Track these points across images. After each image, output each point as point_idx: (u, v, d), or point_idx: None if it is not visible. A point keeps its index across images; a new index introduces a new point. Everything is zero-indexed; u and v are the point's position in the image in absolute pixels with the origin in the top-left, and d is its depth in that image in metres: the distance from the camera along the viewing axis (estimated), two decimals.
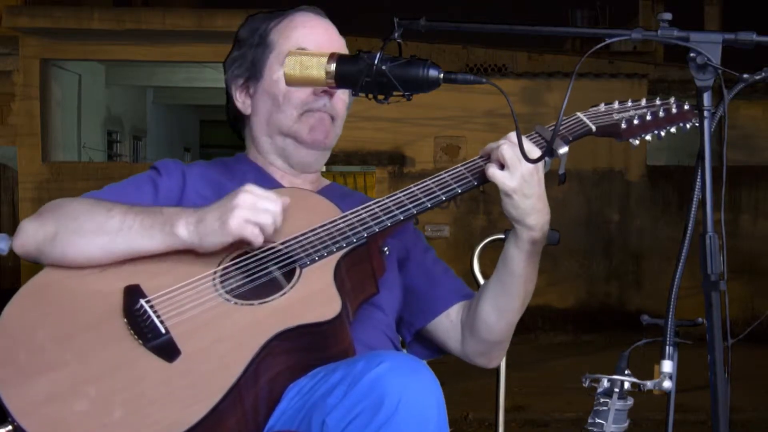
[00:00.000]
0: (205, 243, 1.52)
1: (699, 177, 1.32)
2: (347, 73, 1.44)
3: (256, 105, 1.81)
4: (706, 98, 1.32)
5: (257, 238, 1.50)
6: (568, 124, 1.67)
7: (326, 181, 1.92)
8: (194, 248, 1.53)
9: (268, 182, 1.78)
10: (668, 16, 1.34)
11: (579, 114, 1.70)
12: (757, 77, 1.37)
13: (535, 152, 1.57)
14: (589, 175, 10.69)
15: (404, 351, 1.83)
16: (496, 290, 1.70)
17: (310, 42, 1.77)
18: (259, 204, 1.51)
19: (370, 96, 1.46)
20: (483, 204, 10.35)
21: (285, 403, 1.45)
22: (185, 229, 1.52)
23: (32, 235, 1.60)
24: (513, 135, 1.55)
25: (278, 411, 1.45)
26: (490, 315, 1.71)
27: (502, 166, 1.57)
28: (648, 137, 1.71)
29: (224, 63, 1.87)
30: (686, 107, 1.72)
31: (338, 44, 1.81)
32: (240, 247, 1.56)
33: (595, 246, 10.79)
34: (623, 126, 1.68)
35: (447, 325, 1.79)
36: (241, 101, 1.83)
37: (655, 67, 11.42)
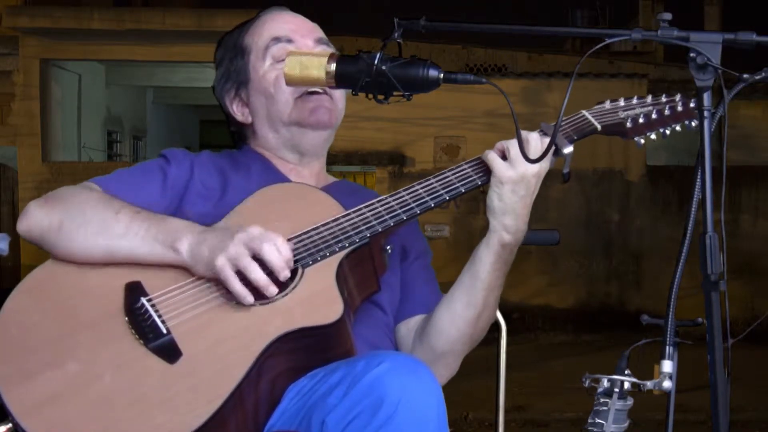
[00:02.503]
0: (196, 267, 1.51)
1: (699, 177, 1.32)
2: (347, 73, 1.44)
3: (253, 108, 1.81)
4: (706, 98, 1.32)
5: (235, 286, 1.45)
6: (573, 123, 1.66)
7: (332, 178, 1.91)
8: (188, 268, 1.52)
9: (274, 175, 1.78)
10: (668, 16, 1.34)
11: (584, 112, 1.68)
12: (757, 77, 1.37)
13: (539, 152, 1.56)
14: (589, 175, 10.68)
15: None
16: (456, 293, 1.66)
17: (283, 30, 1.79)
18: (252, 245, 1.46)
19: (370, 96, 1.46)
20: (483, 204, 10.30)
21: (285, 403, 1.45)
22: (185, 248, 1.51)
23: (38, 221, 1.59)
24: (527, 134, 1.56)
25: (278, 411, 1.45)
26: (442, 318, 1.66)
27: (504, 158, 1.57)
28: (653, 136, 1.69)
29: (213, 90, 1.87)
30: (692, 104, 1.68)
31: (311, 26, 1.83)
32: None
33: (595, 246, 10.79)
34: (629, 125, 1.67)
35: (404, 332, 1.75)
36: (240, 113, 1.83)
37: (655, 67, 11.45)
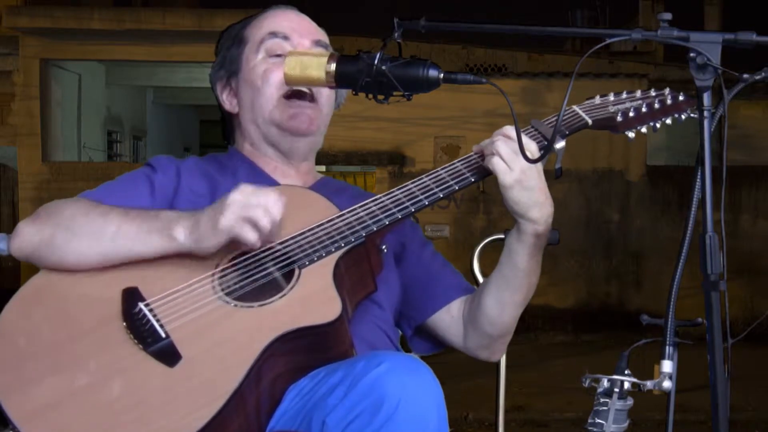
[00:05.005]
0: (202, 246, 1.51)
1: (699, 177, 1.32)
2: (347, 73, 1.44)
3: (240, 98, 1.82)
4: (706, 98, 1.32)
5: (248, 234, 1.47)
6: (564, 118, 1.67)
7: (320, 175, 1.91)
8: (191, 252, 1.52)
9: (260, 177, 1.78)
10: (668, 16, 1.34)
11: (575, 107, 1.70)
12: (757, 77, 1.37)
13: (532, 148, 1.56)
14: (589, 175, 10.68)
15: (401, 349, 1.83)
16: (499, 284, 1.69)
17: (282, 26, 1.79)
18: (251, 200, 1.48)
19: (370, 96, 1.46)
20: (483, 204, 10.34)
21: (286, 404, 1.45)
22: (182, 233, 1.51)
23: (29, 238, 1.59)
24: (506, 128, 1.56)
25: (279, 412, 1.45)
26: (492, 309, 1.70)
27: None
28: (644, 129, 1.71)
29: (210, 78, 1.88)
30: (681, 98, 1.71)
31: (312, 28, 1.83)
32: (238, 247, 1.54)
33: (595, 246, 10.78)
34: (619, 118, 1.68)
35: (448, 320, 1.78)
36: (228, 101, 1.85)
37: (655, 67, 11.41)
